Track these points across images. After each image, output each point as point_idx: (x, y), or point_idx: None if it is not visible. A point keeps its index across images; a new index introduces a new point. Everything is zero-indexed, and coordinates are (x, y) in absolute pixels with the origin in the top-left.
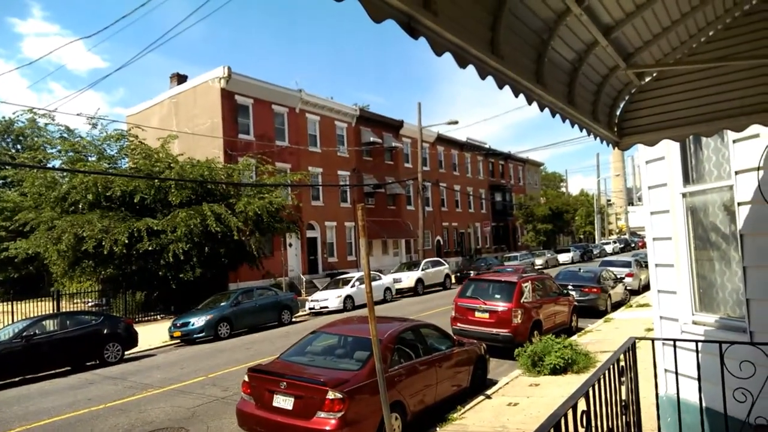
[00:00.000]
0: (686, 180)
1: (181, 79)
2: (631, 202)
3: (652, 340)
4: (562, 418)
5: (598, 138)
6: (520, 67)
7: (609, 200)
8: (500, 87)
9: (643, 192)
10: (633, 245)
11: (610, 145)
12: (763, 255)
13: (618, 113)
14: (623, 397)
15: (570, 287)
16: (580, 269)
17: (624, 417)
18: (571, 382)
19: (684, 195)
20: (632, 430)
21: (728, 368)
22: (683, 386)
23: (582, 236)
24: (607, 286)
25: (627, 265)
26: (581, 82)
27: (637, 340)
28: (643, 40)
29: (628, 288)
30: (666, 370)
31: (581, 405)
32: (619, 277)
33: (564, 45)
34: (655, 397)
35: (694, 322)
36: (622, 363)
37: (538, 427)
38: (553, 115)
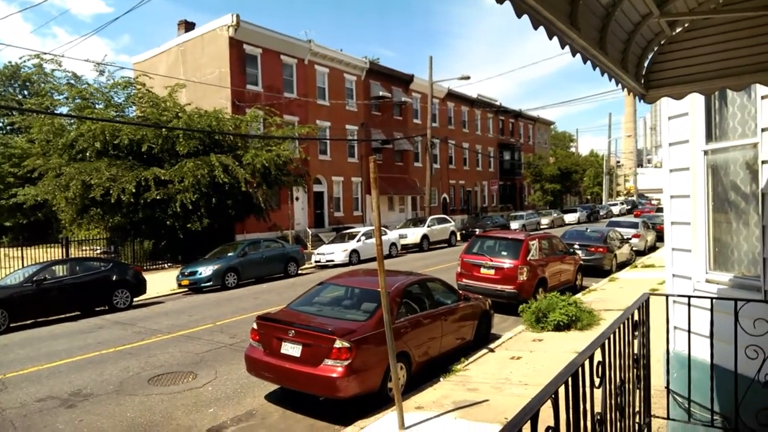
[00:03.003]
0: (709, 137)
1: (188, 26)
2: (640, 164)
3: (666, 296)
4: (580, 367)
5: (625, 89)
6: (556, 8)
7: (618, 161)
8: (535, 27)
9: (663, 148)
10: (640, 207)
11: (637, 98)
12: None
13: (646, 65)
14: (635, 351)
15: (576, 246)
16: (587, 229)
17: (635, 370)
18: (575, 338)
19: (706, 152)
20: (642, 383)
21: (742, 326)
22: (692, 343)
23: (589, 197)
24: (613, 246)
25: (634, 226)
26: (613, 29)
27: (650, 296)
28: None
29: (634, 249)
30: (675, 327)
31: (597, 356)
32: (625, 237)
33: None
34: (666, 353)
35: (708, 281)
36: (636, 318)
37: (558, 374)
38: (585, 61)
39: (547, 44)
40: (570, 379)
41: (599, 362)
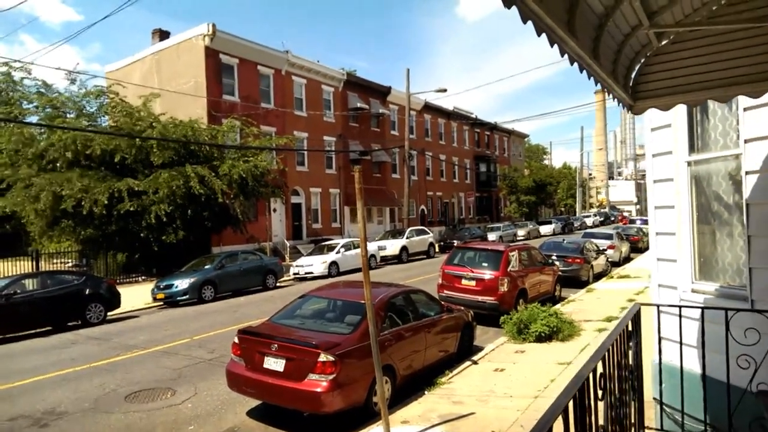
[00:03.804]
0: (692, 148)
1: (163, 35)
2: (611, 176)
3: (657, 306)
4: (585, 381)
5: (615, 99)
6: (556, 15)
7: (590, 174)
8: (538, 34)
9: (647, 159)
10: (613, 219)
11: (625, 108)
12: None
13: (633, 76)
14: (630, 362)
15: (554, 257)
16: (563, 240)
17: (629, 381)
18: (557, 349)
19: (689, 163)
20: (636, 395)
21: (732, 335)
22: (675, 353)
23: (563, 209)
24: (590, 257)
25: (609, 237)
26: (605, 40)
27: (642, 307)
28: None
29: (609, 260)
30: (662, 338)
31: (599, 368)
32: (601, 248)
33: None
34: (658, 363)
35: (693, 291)
36: (630, 328)
37: (566, 387)
38: (581, 70)
39: (521, 59)
40: (577, 393)
41: (601, 374)
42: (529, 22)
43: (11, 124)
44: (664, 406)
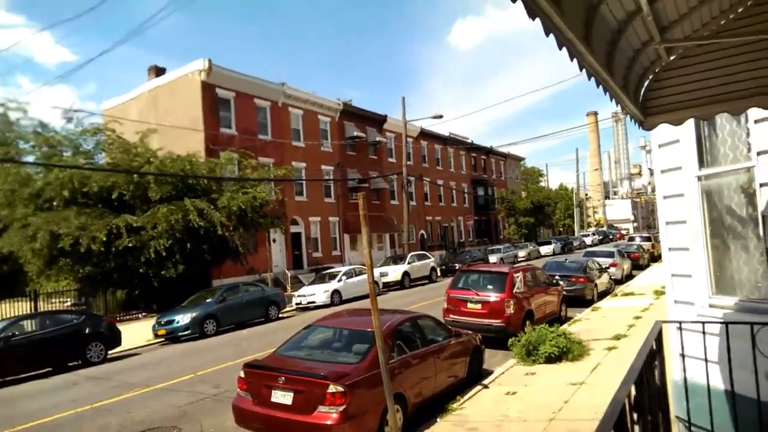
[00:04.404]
0: (701, 163)
1: (159, 71)
2: (607, 196)
3: (680, 323)
4: (623, 407)
5: (627, 115)
6: (576, 29)
7: (587, 194)
8: (560, 48)
9: (655, 176)
10: (611, 237)
11: (636, 124)
12: None
13: (642, 92)
14: (657, 382)
15: (557, 277)
16: (566, 260)
17: (657, 402)
18: (567, 370)
19: (699, 178)
20: (664, 416)
21: (760, 350)
22: (696, 370)
23: (562, 229)
24: (593, 275)
25: (610, 255)
26: (618, 56)
27: (663, 325)
28: (679, 13)
29: (612, 278)
30: (681, 355)
31: (633, 391)
32: (603, 267)
33: (609, 12)
34: (683, 382)
35: (711, 305)
36: (654, 347)
37: (603, 416)
38: (597, 85)
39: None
40: (617, 421)
41: (635, 397)
42: (551, 36)
43: (7, 164)
44: (683, 424)
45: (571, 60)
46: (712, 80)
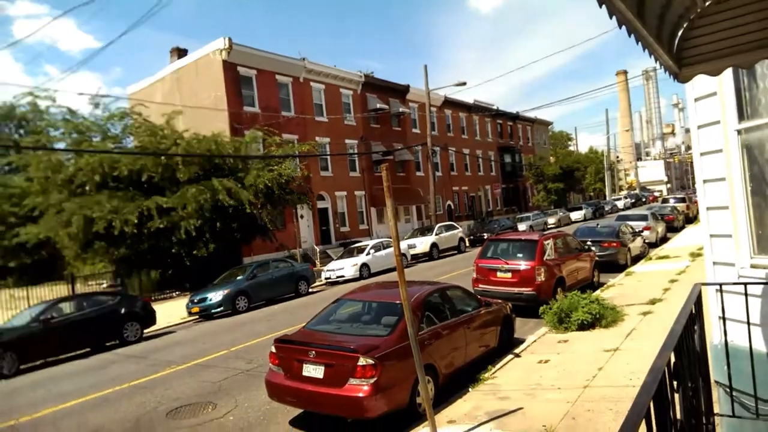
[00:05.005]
0: (741, 116)
1: (181, 53)
2: (639, 158)
3: (720, 285)
4: (662, 374)
5: (662, 67)
6: None
7: (618, 156)
8: None
9: (691, 132)
10: (644, 200)
11: (671, 77)
12: None
13: (677, 42)
14: (697, 347)
15: (589, 242)
16: (597, 224)
17: (698, 368)
18: (601, 336)
19: (739, 132)
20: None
21: None
22: (737, 333)
23: (592, 193)
24: (626, 240)
25: (644, 218)
26: (648, 3)
27: (702, 287)
28: None
29: (646, 241)
30: (720, 318)
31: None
32: (637, 230)
33: None
34: (725, 345)
35: (753, 266)
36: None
37: (643, 384)
38: (630, 34)
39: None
40: (656, 388)
41: (675, 363)
42: None
43: (40, 152)
44: (724, 389)
45: (600, 6)
46: (751, 25)
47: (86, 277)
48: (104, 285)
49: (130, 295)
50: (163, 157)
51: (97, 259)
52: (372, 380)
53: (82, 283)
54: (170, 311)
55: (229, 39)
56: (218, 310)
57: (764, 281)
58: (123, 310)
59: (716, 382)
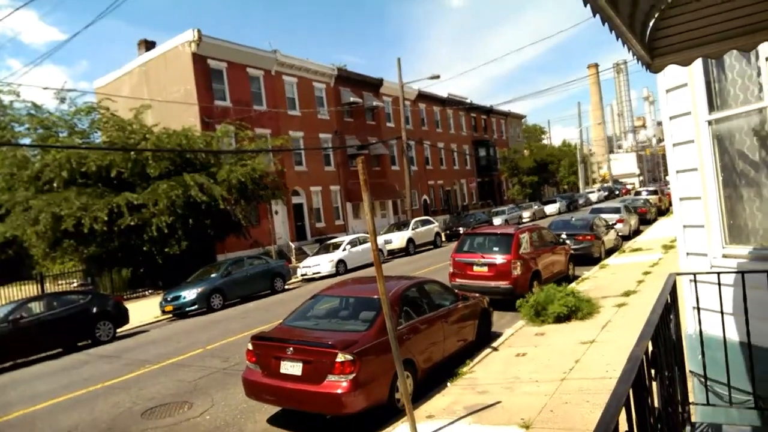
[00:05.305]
0: (711, 107)
1: (149, 45)
2: (611, 150)
3: (694, 274)
4: (641, 363)
5: (635, 57)
6: None
7: (591, 150)
8: None
9: (664, 123)
10: (617, 192)
11: (644, 67)
12: None
13: (649, 32)
14: (673, 336)
15: (564, 236)
16: (572, 218)
17: (674, 356)
18: (577, 328)
19: (710, 123)
20: (680, 370)
21: None
22: (711, 323)
23: (566, 186)
24: (600, 232)
25: (617, 211)
26: None
27: (677, 278)
28: None
29: (619, 234)
30: (695, 308)
31: (650, 346)
32: (610, 223)
33: None
34: (699, 335)
35: (725, 256)
36: (669, 301)
37: (623, 372)
38: (603, 23)
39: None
40: (635, 377)
41: (652, 352)
42: None
43: (4, 148)
44: (698, 378)
45: None
46: (721, 15)
47: (55, 276)
48: (74, 284)
49: (102, 294)
50: (132, 153)
51: (66, 257)
52: (351, 376)
53: (52, 283)
54: (143, 310)
55: (199, 31)
56: (192, 308)
57: (736, 270)
58: (95, 310)
59: (691, 372)
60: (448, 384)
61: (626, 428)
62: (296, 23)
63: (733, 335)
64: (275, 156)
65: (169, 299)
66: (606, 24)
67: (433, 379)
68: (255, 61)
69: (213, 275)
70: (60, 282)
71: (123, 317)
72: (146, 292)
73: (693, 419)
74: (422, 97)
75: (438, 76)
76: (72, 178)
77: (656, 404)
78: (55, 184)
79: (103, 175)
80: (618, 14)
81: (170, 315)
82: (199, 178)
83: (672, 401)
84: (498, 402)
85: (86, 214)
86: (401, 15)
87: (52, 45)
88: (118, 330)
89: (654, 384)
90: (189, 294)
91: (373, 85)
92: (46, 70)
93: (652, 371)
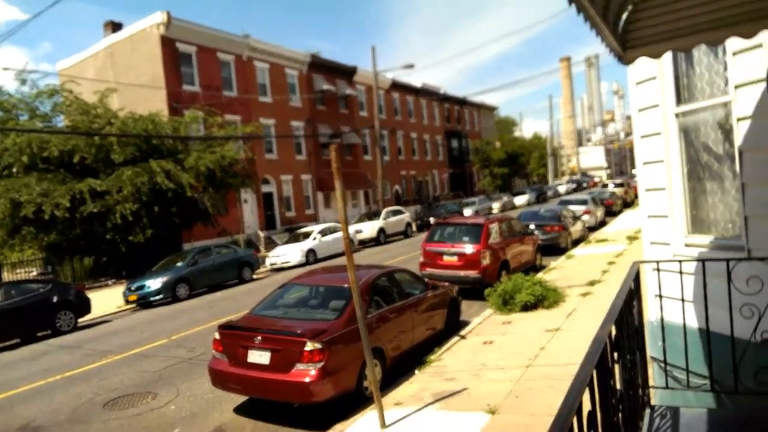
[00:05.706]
0: (679, 100)
1: (116, 27)
2: (581, 143)
3: (657, 262)
4: (604, 345)
5: (607, 48)
6: None
7: (561, 142)
8: None
9: (632, 115)
10: (585, 185)
11: (617, 59)
12: (763, 171)
13: (621, 25)
14: (635, 322)
15: (532, 226)
16: (541, 209)
17: (636, 341)
18: (543, 317)
19: (677, 115)
20: (641, 354)
21: (735, 286)
22: (672, 310)
23: (536, 179)
24: (567, 223)
25: (584, 202)
26: None
27: (640, 266)
28: None
29: (586, 225)
30: (657, 296)
31: (613, 330)
32: (577, 215)
33: None
34: (660, 321)
35: (687, 245)
36: (633, 288)
37: (587, 354)
38: (579, 12)
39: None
40: (599, 358)
41: (616, 336)
42: None
43: None
44: (658, 364)
45: None
46: (691, 9)
47: (14, 265)
48: (34, 273)
49: (63, 282)
50: (96, 138)
51: (25, 245)
52: (319, 365)
53: (10, 271)
54: (106, 300)
55: (168, 13)
56: (157, 297)
57: (697, 259)
58: (55, 299)
59: (651, 357)
60: (417, 372)
61: (590, 408)
62: (270, 8)
63: (693, 322)
64: (245, 143)
65: (133, 288)
66: (581, 14)
67: (401, 367)
68: (226, 46)
69: (179, 264)
70: (18, 271)
71: (85, 307)
72: (109, 282)
73: (652, 402)
74: (396, 86)
75: (412, 66)
76: (33, 163)
77: (618, 386)
78: (14, 170)
79: (65, 161)
80: (593, 4)
81: (134, 305)
82: (166, 164)
83: (633, 384)
84: (465, 389)
85: (47, 200)
86: (379, 2)
87: (12, 24)
88: (79, 320)
89: (617, 367)
90: (154, 283)
91: (347, 73)
92: (6, 51)
93: (615, 354)
